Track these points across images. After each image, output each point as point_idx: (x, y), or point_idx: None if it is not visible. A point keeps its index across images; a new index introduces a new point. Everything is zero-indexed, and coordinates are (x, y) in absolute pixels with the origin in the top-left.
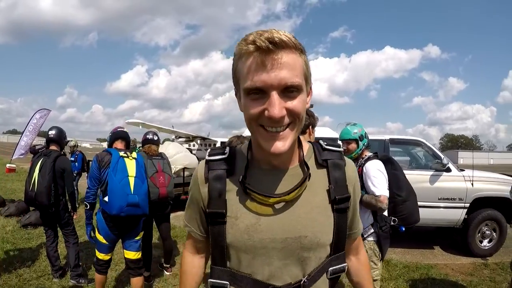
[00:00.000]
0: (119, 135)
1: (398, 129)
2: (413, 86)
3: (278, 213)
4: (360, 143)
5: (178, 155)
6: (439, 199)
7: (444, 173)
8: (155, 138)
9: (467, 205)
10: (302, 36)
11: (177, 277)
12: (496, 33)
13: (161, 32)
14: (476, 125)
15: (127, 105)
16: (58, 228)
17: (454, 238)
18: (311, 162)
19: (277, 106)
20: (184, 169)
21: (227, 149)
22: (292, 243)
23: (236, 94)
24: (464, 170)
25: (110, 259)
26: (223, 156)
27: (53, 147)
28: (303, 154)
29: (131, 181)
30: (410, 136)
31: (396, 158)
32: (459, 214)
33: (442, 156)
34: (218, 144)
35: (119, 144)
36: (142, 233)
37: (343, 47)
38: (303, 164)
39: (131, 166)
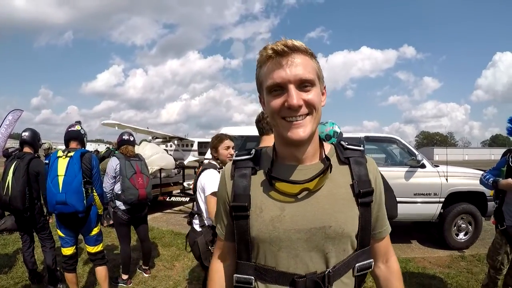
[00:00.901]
0: (70, 136)
1: (374, 127)
2: (389, 85)
3: (302, 204)
4: (327, 142)
5: (154, 156)
6: (414, 194)
7: (419, 169)
8: (131, 139)
9: (442, 199)
10: (280, 36)
11: (156, 279)
12: (470, 33)
13: (138, 31)
14: (450, 122)
15: (103, 106)
16: (34, 233)
17: (430, 232)
18: (333, 159)
19: (294, 96)
20: (160, 170)
21: (253, 151)
22: (317, 233)
23: (260, 100)
24: (438, 166)
25: (74, 255)
26: (249, 156)
27: (26, 150)
28: (324, 152)
29: (60, 180)
30: (386, 134)
31: (371, 156)
32: (434, 209)
33: (417, 153)
34: (195, 145)
35: (73, 145)
36: (96, 230)
37: (320, 47)
38: (324, 160)
39: (62, 165)
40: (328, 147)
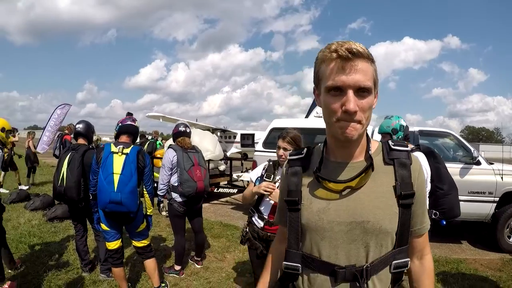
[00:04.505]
0: (127, 130)
1: (417, 120)
2: (432, 77)
3: (344, 200)
4: (394, 136)
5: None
6: (468, 192)
7: (474, 166)
8: (188, 130)
9: (497, 199)
10: (321, 28)
11: (208, 270)
12: None
13: (179, 27)
14: (497, 117)
15: (146, 99)
16: (88, 222)
17: (481, 232)
18: (378, 159)
19: (352, 102)
20: (209, 161)
21: (305, 150)
22: (356, 227)
23: (314, 92)
24: (493, 164)
25: (120, 249)
26: (301, 156)
27: (81, 141)
28: (370, 150)
29: (116, 178)
30: (438, 128)
31: None
32: (488, 208)
33: (472, 149)
34: (238, 136)
35: (124, 138)
36: (143, 226)
37: (361, 38)
38: (368, 158)
39: (118, 163)
40: (375, 146)
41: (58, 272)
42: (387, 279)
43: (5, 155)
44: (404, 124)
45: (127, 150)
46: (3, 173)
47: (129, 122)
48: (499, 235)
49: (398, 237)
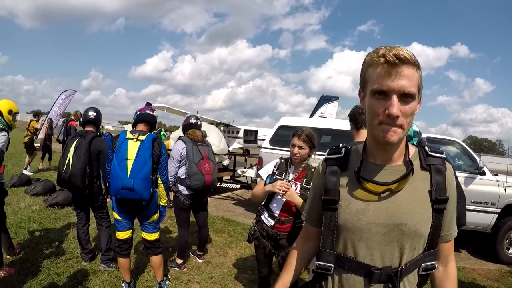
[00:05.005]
0: (144, 118)
1: (420, 127)
2: (439, 84)
3: (384, 202)
4: (409, 143)
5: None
6: (472, 202)
7: (479, 176)
8: (199, 123)
9: (499, 210)
10: (330, 29)
11: (210, 265)
12: None
13: (188, 19)
14: (500, 129)
15: (150, 90)
16: (90, 211)
17: (480, 242)
18: (416, 164)
19: (395, 106)
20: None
21: (343, 150)
22: (394, 229)
23: (359, 94)
24: (497, 175)
25: (129, 240)
26: (339, 155)
27: (89, 128)
28: (409, 155)
29: (129, 164)
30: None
31: None
32: (490, 219)
33: (478, 159)
34: (241, 132)
35: (141, 127)
36: (155, 217)
37: (370, 41)
38: (407, 162)
39: (132, 149)
40: (412, 150)
41: (57, 260)
42: (415, 280)
43: (26, 138)
44: (418, 129)
45: (143, 137)
46: (27, 156)
47: (147, 111)
48: (499, 246)
49: (429, 240)
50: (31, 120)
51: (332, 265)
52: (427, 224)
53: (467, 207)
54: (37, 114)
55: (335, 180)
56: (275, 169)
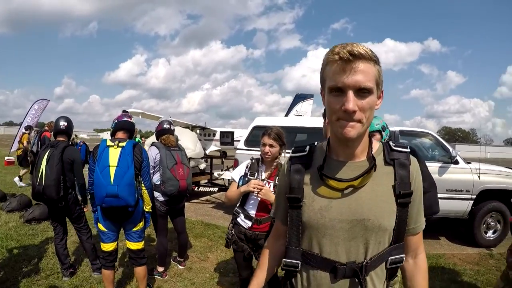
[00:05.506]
0: (123, 126)
1: (395, 120)
2: (412, 78)
3: (347, 198)
4: (383, 133)
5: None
6: (447, 190)
7: (452, 165)
8: (172, 128)
9: (474, 196)
10: (304, 27)
11: (192, 271)
12: (496, 28)
13: (161, 22)
14: (473, 119)
15: (125, 95)
16: (68, 224)
17: (458, 229)
18: (379, 159)
19: (351, 102)
20: (189, 158)
21: (307, 148)
22: (357, 224)
23: (321, 92)
24: (470, 163)
25: (114, 252)
26: (303, 153)
27: (60, 138)
28: (372, 151)
29: (112, 171)
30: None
31: None
32: (466, 206)
33: (451, 149)
34: (217, 135)
35: (120, 135)
36: (141, 224)
37: (343, 38)
38: (370, 158)
39: (114, 155)
40: (376, 146)
41: (37, 277)
42: (383, 274)
43: (19, 151)
44: (385, 123)
45: (123, 144)
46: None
47: (125, 119)
48: (476, 231)
49: (395, 234)
50: (23, 133)
51: (299, 262)
52: (391, 219)
53: (443, 195)
54: (29, 127)
55: (299, 178)
56: (247, 169)
